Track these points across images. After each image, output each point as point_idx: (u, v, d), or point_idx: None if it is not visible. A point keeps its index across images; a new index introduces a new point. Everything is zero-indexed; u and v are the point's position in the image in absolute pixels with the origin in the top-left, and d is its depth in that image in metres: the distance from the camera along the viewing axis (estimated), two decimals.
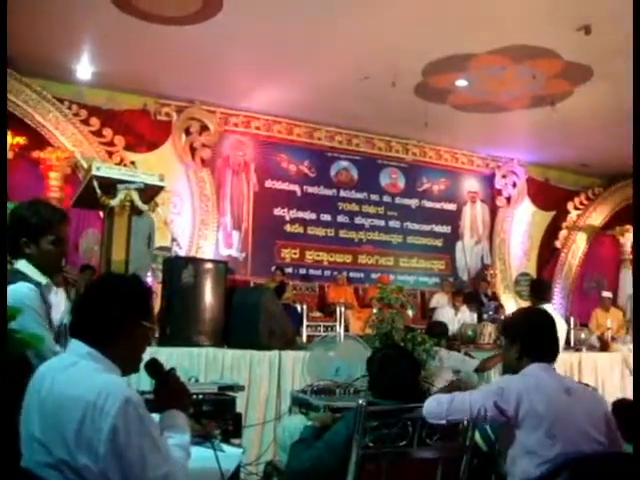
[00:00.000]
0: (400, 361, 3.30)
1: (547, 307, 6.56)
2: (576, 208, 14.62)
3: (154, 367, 2.34)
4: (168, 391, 2.30)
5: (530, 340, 3.09)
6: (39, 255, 2.98)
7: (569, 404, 2.90)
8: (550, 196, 14.64)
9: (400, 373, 3.23)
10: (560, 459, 2.79)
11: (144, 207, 6.26)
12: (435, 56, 9.19)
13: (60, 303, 3.14)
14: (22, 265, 2.95)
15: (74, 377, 1.99)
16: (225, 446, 2.84)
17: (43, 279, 2.96)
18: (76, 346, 2.10)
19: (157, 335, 6.07)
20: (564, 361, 7.36)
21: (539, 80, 9.64)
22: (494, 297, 12.80)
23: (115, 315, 2.12)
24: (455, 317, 10.75)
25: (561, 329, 6.49)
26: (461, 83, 10.13)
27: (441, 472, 3.04)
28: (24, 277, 2.88)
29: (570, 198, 14.66)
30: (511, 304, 13.55)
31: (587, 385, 3.76)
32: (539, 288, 6.97)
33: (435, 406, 2.97)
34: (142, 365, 2.28)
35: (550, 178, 14.71)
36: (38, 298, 2.85)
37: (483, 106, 10.96)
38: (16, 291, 2.78)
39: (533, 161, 14.20)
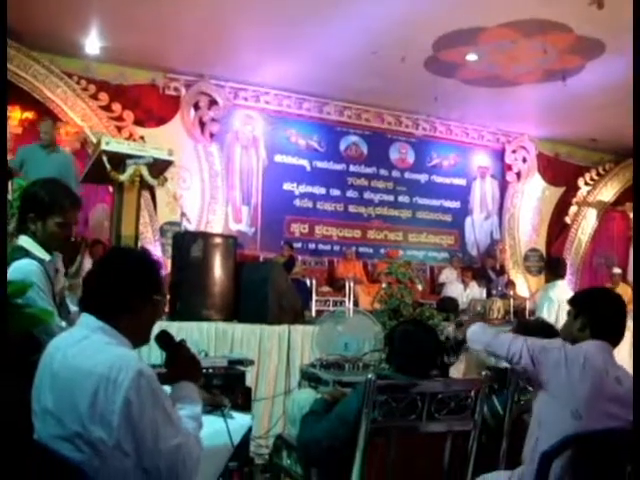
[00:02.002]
0: (421, 336, 3.29)
1: (562, 283, 6.60)
2: (586, 184, 14.54)
3: (164, 339, 2.35)
4: (179, 362, 2.32)
5: (600, 316, 3.08)
6: (42, 234, 2.96)
7: (615, 394, 2.86)
8: (560, 171, 14.56)
9: (420, 348, 3.22)
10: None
11: (153, 182, 6.27)
12: (445, 30, 9.11)
13: (60, 278, 3.14)
14: (24, 241, 2.93)
15: (86, 350, 2.00)
16: (235, 413, 2.87)
17: (46, 255, 2.95)
18: (88, 320, 2.11)
19: (167, 310, 6.11)
20: None
21: (550, 54, 9.54)
22: (502, 272, 12.79)
23: (125, 289, 2.12)
24: (464, 292, 10.79)
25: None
26: (471, 57, 10.05)
27: (450, 446, 3.06)
28: (27, 253, 2.87)
29: (580, 174, 14.57)
30: (520, 280, 13.55)
31: None
32: (555, 265, 6.99)
33: (480, 333, 3.14)
34: (152, 338, 2.29)
35: (560, 153, 14.62)
36: (43, 275, 2.85)
37: (493, 80, 10.87)
38: (22, 267, 2.78)
39: (543, 136, 14.10)
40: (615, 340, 3.12)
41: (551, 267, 6.95)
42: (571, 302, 3.24)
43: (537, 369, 2.93)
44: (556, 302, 6.17)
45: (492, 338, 3.13)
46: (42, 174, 5.87)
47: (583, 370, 2.86)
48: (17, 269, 2.75)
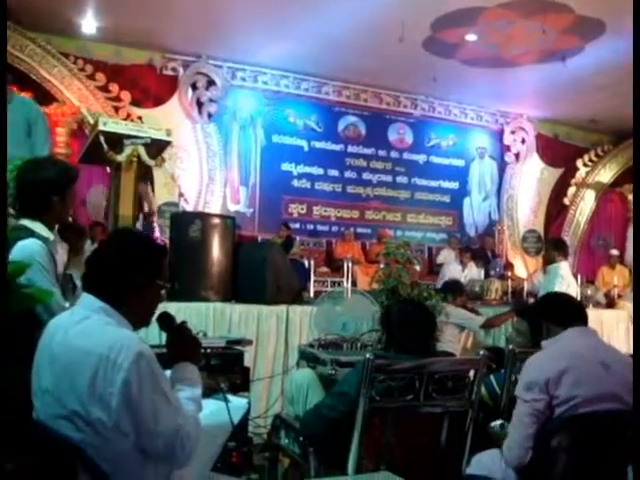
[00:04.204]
0: (420, 316, 3.29)
1: (565, 264, 6.67)
2: (585, 165, 14.51)
3: (166, 320, 2.35)
4: (180, 343, 2.32)
5: (554, 314, 3.14)
6: (63, 209, 3.01)
7: (603, 381, 2.85)
8: (559, 152, 14.52)
9: (416, 328, 3.22)
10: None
11: (151, 162, 6.25)
12: (444, 10, 9.07)
13: (62, 256, 3.15)
14: (27, 221, 2.94)
15: (87, 330, 2.01)
16: (231, 397, 2.88)
17: (50, 235, 2.95)
18: (89, 300, 2.10)
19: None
20: None
21: (549, 35, 9.47)
22: (500, 254, 12.80)
23: (129, 272, 2.12)
24: (462, 273, 10.78)
25: (573, 286, 6.61)
26: (470, 38, 10.00)
27: (447, 426, 3.08)
28: (31, 233, 2.87)
29: (579, 155, 14.53)
30: (518, 261, 13.57)
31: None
32: (561, 246, 7.04)
33: (508, 455, 2.91)
34: (154, 319, 2.30)
35: (559, 134, 14.59)
36: (47, 254, 2.84)
37: (492, 61, 10.82)
38: (27, 247, 2.77)
39: (542, 117, 14.06)
40: (582, 318, 3.15)
41: (557, 248, 6.99)
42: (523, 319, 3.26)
43: (551, 400, 2.83)
44: (566, 281, 6.35)
45: (514, 446, 2.88)
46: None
47: (571, 364, 2.86)
48: (22, 249, 2.75)
